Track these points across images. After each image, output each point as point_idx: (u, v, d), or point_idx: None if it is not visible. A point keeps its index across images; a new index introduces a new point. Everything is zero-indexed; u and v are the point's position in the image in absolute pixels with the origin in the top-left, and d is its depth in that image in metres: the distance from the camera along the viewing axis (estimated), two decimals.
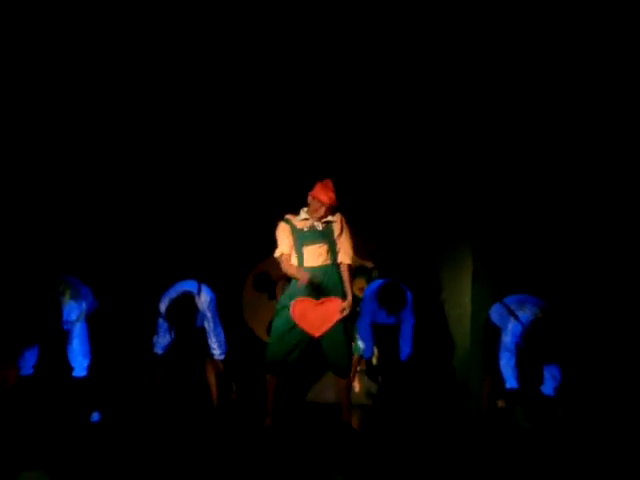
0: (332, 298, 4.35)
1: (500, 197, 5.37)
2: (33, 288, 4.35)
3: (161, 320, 4.79)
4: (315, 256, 4.40)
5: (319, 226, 4.44)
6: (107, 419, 4.52)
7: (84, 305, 4.46)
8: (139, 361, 5.13)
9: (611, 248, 5.01)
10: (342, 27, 4.94)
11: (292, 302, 4.36)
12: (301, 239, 4.43)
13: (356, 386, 5.72)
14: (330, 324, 4.33)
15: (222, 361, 4.92)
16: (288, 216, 4.53)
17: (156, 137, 5.68)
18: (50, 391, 4.52)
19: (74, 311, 4.39)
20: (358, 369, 5.58)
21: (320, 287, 4.33)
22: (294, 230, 4.45)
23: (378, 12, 4.81)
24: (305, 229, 4.44)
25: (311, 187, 4.53)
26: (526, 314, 4.45)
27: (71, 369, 4.41)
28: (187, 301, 4.71)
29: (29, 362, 4.33)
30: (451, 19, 4.82)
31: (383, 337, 5.42)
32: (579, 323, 4.85)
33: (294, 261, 4.42)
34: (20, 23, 4.68)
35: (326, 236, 4.44)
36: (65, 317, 4.36)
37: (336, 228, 4.48)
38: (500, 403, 4.76)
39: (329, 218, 4.48)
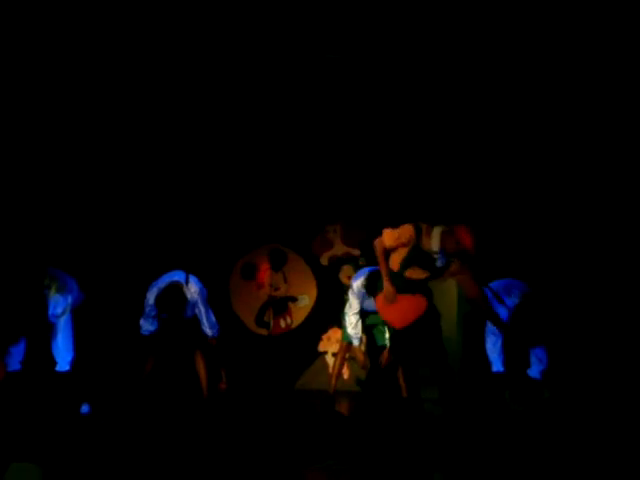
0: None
1: (485, 185, 5.41)
2: (19, 282, 4.31)
3: (148, 308, 4.80)
4: None
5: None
6: (97, 411, 4.52)
7: (70, 299, 4.42)
8: (127, 352, 5.13)
9: (597, 231, 5.07)
10: (342, 27, 4.95)
11: None
12: None
13: (345, 373, 5.77)
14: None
15: (215, 338, 4.98)
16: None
17: (146, 130, 5.65)
18: (38, 385, 4.50)
19: (60, 305, 4.35)
20: (347, 356, 5.61)
21: None
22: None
23: (378, 12, 4.82)
24: None
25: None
26: (512, 299, 4.50)
27: (55, 363, 4.40)
28: (175, 291, 4.72)
29: (16, 358, 4.31)
30: (451, 19, 4.83)
31: (371, 324, 5.45)
32: (564, 307, 4.91)
33: None
34: (20, 23, 4.64)
35: None
36: (51, 311, 4.33)
37: None
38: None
39: None
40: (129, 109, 5.52)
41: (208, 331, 4.92)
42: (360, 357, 5.36)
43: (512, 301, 4.50)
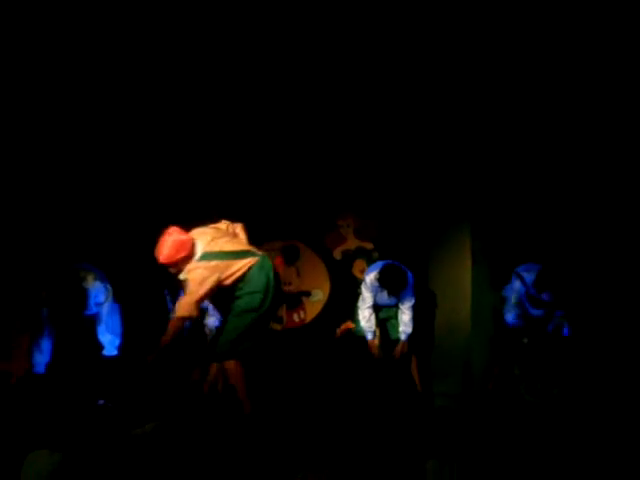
0: None
1: (497, 177, 5.40)
2: (54, 279, 4.37)
3: None
4: None
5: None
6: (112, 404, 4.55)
7: (109, 286, 4.49)
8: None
9: (608, 224, 5.06)
10: (341, 28, 4.97)
11: None
12: None
13: None
14: None
15: None
16: None
17: (161, 126, 5.68)
18: (78, 373, 4.51)
19: (101, 292, 4.42)
20: None
21: None
22: None
23: (378, 12, 4.84)
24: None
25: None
26: (531, 275, 4.83)
27: (100, 349, 4.43)
28: None
29: (43, 359, 4.34)
30: (452, 20, 4.84)
31: (384, 318, 5.45)
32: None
33: None
34: (20, 23, 4.69)
35: None
36: (93, 300, 4.39)
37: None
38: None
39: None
40: (137, 108, 5.56)
41: None
42: (375, 351, 5.37)
43: (530, 277, 4.83)
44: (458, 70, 5.30)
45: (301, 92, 5.64)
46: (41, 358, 4.36)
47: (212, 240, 4.06)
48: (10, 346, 4.36)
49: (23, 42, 4.80)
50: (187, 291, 3.94)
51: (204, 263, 3.94)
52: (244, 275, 4.02)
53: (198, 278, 3.89)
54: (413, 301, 5.23)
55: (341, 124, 5.82)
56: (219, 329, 4.31)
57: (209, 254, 3.98)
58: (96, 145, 5.48)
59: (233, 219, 5.98)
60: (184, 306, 3.92)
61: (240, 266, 4.01)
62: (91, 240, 5.37)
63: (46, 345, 4.37)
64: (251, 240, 6.19)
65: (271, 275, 4.10)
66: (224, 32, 5.15)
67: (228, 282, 3.99)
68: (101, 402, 4.49)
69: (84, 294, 4.35)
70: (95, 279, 4.42)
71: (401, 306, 5.22)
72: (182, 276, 3.97)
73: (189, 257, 3.95)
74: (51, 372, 4.40)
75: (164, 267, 4.00)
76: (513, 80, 5.19)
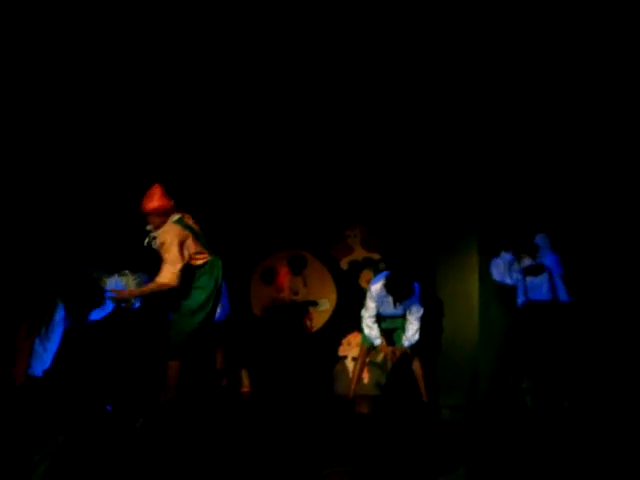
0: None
1: (504, 190, 5.41)
2: (76, 283, 4.43)
3: None
4: None
5: (152, 242, 4.25)
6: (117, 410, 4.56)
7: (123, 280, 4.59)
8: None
9: (615, 241, 5.06)
10: (342, 28, 4.99)
11: None
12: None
13: (365, 377, 5.76)
14: None
15: None
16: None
17: (162, 146, 5.71)
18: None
19: (119, 284, 4.46)
20: (368, 360, 5.60)
21: None
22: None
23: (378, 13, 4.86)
24: (145, 242, 4.28)
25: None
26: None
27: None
28: None
29: (41, 365, 4.35)
30: (453, 20, 4.86)
31: (389, 328, 5.44)
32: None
33: None
34: (20, 23, 4.72)
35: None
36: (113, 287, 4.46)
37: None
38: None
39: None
40: (149, 124, 5.61)
41: None
42: (388, 353, 5.34)
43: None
44: (469, 85, 5.32)
45: (310, 104, 5.68)
46: (41, 363, 4.37)
47: (189, 218, 4.33)
48: (14, 351, 4.37)
49: (23, 42, 4.81)
50: (163, 260, 4.11)
51: (177, 227, 4.17)
52: (198, 267, 4.21)
53: (168, 240, 4.10)
54: (421, 311, 5.22)
55: (350, 136, 5.84)
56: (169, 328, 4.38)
57: (183, 222, 4.24)
58: (110, 158, 5.54)
59: (241, 229, 6.07)
60: (165, 274, 4.09)
61: (200, 249, 4.21)
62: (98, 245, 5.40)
63: (51, 349, 4.39)
64: (258, 249, 6.30)
65: (220, 277, 4.30)
66: (229, 48, 5.20)
67: (187, 253, 4.15)
68: (109, 408, 4.51)
69: (101, 292, 4.43)
70: (109, 276, 4.49)
71: (409, 317, 5.21)
72: (156, 242, 4.17)
73: (165, 213, 4.21)
74: (49, 376, 4.41)
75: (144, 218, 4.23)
76: (524, 96, 5.21)
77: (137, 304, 4.66)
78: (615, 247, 5.08)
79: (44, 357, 4.33)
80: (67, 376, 4.39)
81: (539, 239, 5.06)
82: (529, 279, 5.01)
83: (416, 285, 5.24)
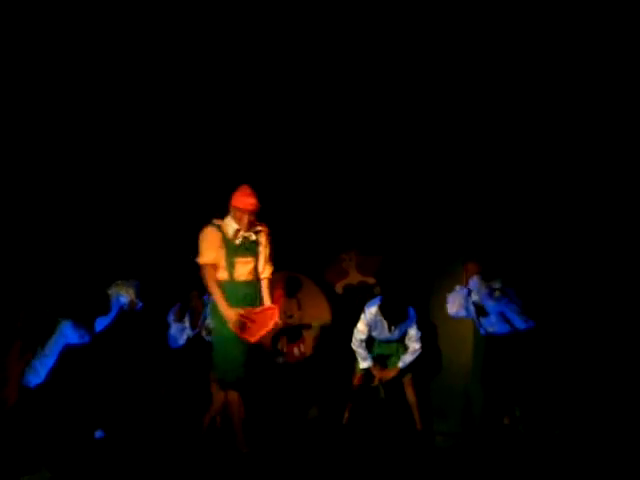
0: (268, 306, 4.31)
1: (498, 213, 5.44)
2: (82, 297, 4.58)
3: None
4: (246, 271, 4.29)
5: (251, 236, 4.29)
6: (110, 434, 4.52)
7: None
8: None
9: (611, 258, 5.06)
10: (341, 28, 4.99)
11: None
12: (233, 251, 4.24)
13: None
14: (266, 330, 4.23)
15: None
16: (217, 222, 4.30)
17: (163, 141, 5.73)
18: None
19: (121, 297, 4.79)
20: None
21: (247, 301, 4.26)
22: (225, 240, 4.23)
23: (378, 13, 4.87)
24: (237, 241, 4.24)
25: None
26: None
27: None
28: None
29: (36, 378, 4.32)
30: (452, 20, 4.87)
31: (383, 354, 5.42)
32: (577, 338, 4.92)
33: (224, 274, 4.23)
34: (20, 23, 4.71)
35: (254, 249, 4.32)
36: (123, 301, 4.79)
37: (262, 238, 4.35)
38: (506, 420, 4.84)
39: (257, 228, 4.33)
40: (158, 134, 5.63)
41: None
42: (378, 375, 5.32)
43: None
44: (465, 107, 5.36)
45: (306, 126, 5.68)
46: (37, 377, 4.35)
47: None
48: (5, 371, 4.34)
49: (24, 42, 4.80)
50: (268, 256, 4.41)
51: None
52: None
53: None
54: (420, 334, 5.25)
55: (346, 159, 5.86)
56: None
57: None
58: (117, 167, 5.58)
59: None
60: (271, 270, 4.45)
61: None
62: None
63: (46, 364, 4.37)
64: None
65: None
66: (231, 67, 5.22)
67: None
68: (99, 434, 4.47)
69: (108, 300, 4.69)
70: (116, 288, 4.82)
71: (408, 341, 5.24)
72: (253, 237, 4.32)
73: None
74: (42, 391, 4.39)
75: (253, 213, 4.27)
76: (519, 123, 5.25)
77: (140, 304, 4.79)
78: (611, 277, 5.09)
79: (39, 371, 4.32)
80: (60, 394, 4.38)
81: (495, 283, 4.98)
82: (481, 317, 4.96)
83: (411, 309, 5.25)
